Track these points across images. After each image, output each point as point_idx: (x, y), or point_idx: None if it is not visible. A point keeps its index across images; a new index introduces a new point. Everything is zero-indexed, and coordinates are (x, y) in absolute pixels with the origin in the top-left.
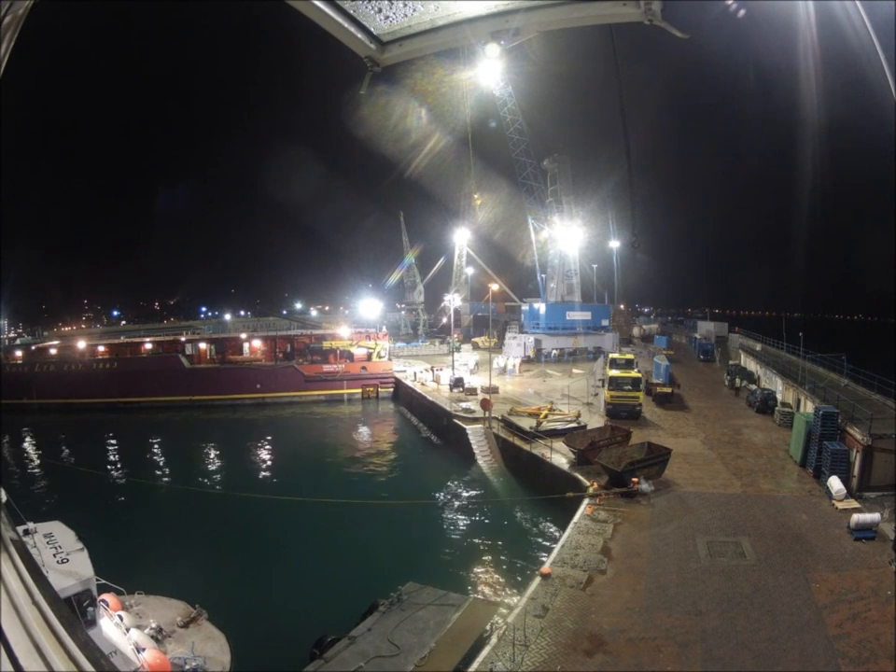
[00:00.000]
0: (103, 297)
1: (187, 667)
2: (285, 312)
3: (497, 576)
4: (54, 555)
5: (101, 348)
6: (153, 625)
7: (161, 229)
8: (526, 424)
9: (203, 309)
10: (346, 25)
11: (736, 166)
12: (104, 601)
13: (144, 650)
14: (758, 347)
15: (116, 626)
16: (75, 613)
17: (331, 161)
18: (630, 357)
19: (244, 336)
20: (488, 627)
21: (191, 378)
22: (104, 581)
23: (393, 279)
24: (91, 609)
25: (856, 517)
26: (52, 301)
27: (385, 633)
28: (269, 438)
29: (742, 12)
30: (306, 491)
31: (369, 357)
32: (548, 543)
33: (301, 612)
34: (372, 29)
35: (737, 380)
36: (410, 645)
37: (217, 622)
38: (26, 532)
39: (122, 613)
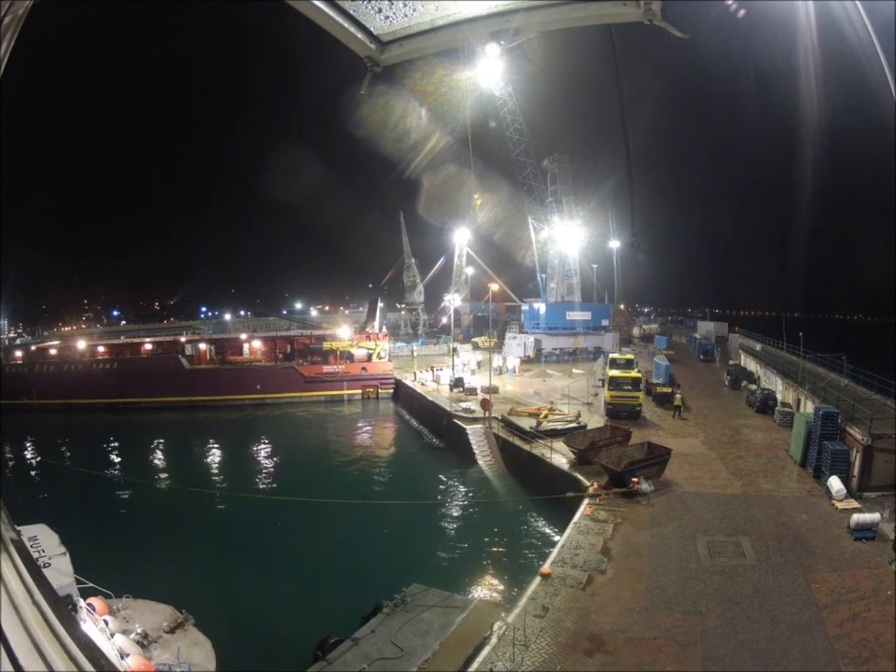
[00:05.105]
0: (103, 297)
1: None
2: (285, 312)
3: (497, 576)
4: (36, 559)
5: (101, 348)
6: (139, 630)
7: (162, 228)
8: (526, 424)
9: (203, 309)
10: (346, 25)
11: (736, 166)
12: (90, 605)
13: (128, 655)
14: (758, 347)
15: (100, 632)
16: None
17: (331, 160)
18: (630, 356)
19: (244, 337)
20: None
21: (191, 378)
22: (91, 585)
23: (393, 279)
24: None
25: (856, 517)
26: (52, 300)
27: (389, 635)
28: (268, 438)
29: (742, 12)
30: (306, 492)
31: (369, 358)
32: (548, 543)
33: (302, 614)
34: (372, 29)
35: (743, 381)
36: (413, 647)
37: (205, 627)
38: None
39: (108, 617)
